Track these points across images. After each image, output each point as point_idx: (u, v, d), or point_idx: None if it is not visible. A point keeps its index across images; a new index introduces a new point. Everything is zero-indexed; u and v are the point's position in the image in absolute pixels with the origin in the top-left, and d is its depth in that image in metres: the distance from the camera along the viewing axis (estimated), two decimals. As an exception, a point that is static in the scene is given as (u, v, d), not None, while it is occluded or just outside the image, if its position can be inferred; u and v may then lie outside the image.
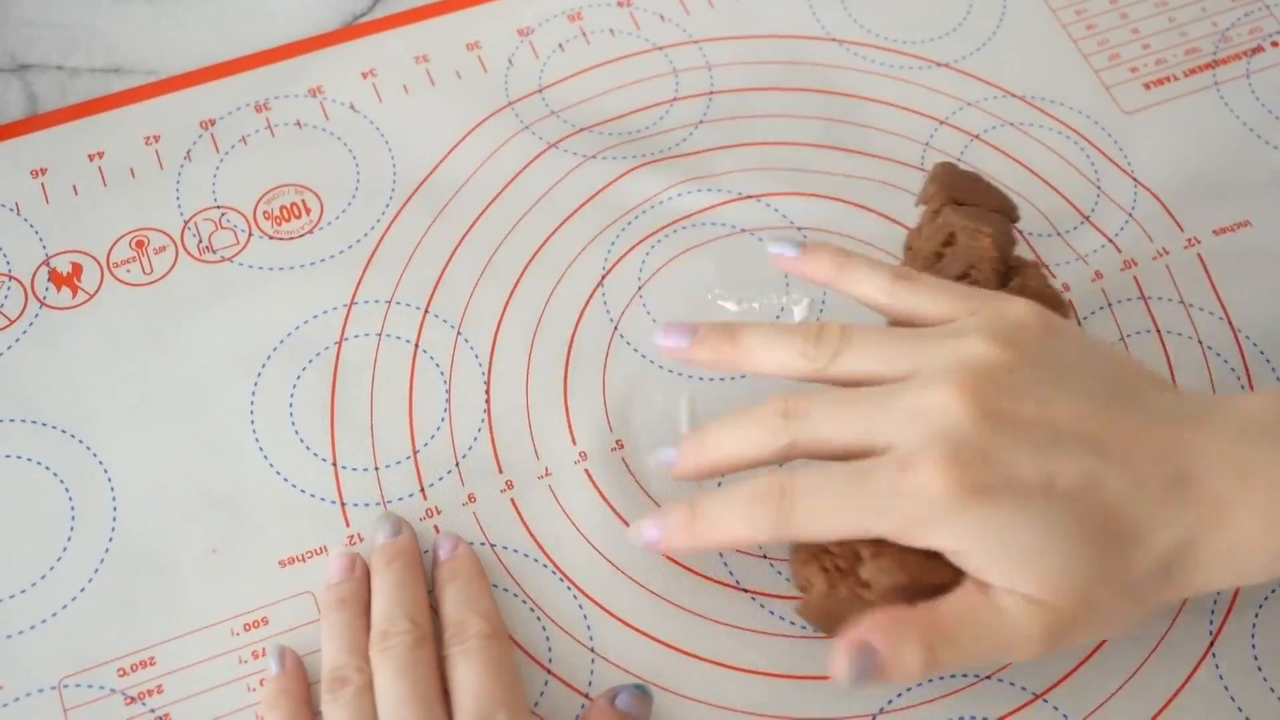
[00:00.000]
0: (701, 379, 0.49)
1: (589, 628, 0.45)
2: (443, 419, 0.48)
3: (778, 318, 0.51)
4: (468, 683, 0.41)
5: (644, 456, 0.47)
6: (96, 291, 0.51)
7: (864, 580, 0.40)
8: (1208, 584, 0.39)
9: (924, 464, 0.37)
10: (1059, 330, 0.41)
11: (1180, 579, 0.39)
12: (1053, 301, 0.45)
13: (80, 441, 0.48)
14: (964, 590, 0.39)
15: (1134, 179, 0.54)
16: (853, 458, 0.39)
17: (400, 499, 0.47)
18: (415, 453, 0.48)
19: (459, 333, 0.50)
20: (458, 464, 0.48)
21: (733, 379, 0.49)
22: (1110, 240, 0.53)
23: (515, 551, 0.46)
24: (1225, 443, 0.39)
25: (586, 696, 0.44)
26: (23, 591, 0.45)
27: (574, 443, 0.48)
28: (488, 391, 0.49)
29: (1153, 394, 0.40)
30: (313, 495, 0.47)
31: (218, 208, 0.52)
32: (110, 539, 0.46)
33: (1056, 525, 0.37)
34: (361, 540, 0.46)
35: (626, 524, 0.46)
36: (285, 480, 0.47)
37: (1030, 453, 0.38)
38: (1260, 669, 0.45)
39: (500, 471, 0.48)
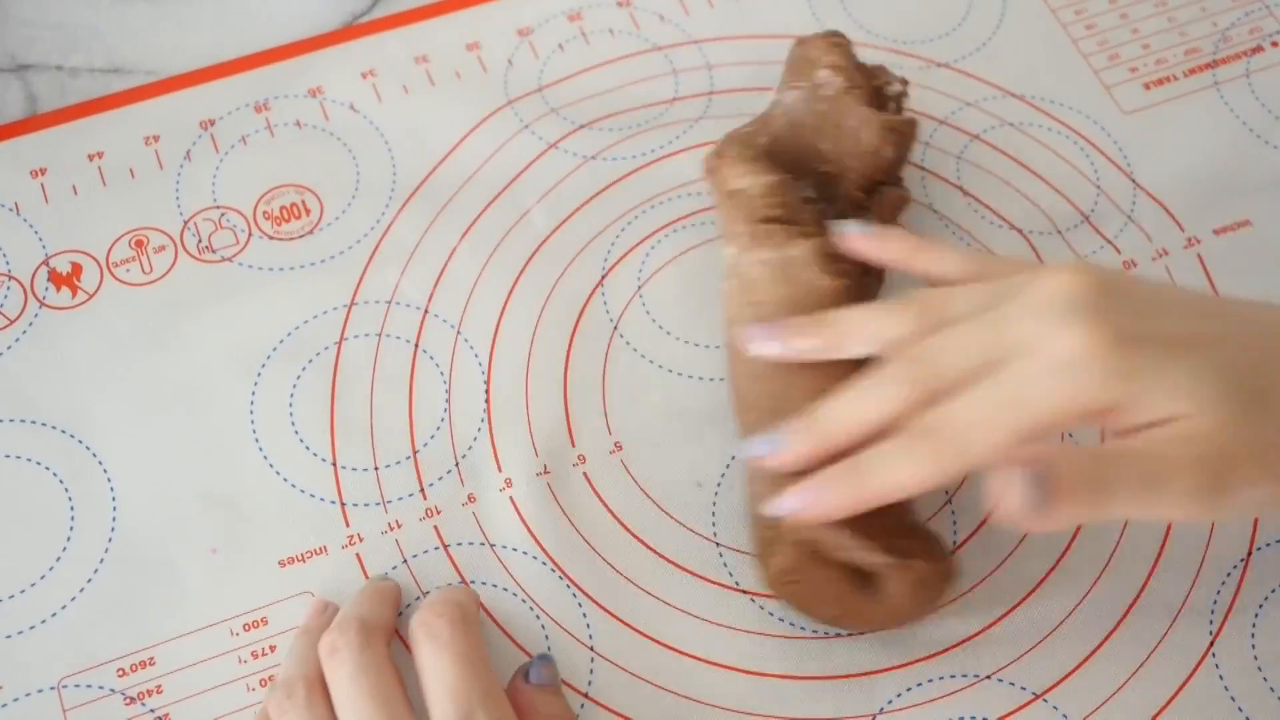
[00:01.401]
0: (691, 377, 0.49)
1: (589, 627, 0.45)
2: (443, 419, 0.48)
3: None
4: (439, 680, 0.40)
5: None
6: (96, 291, 0.51)
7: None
8: None
9: (1063, 334, 0.37)
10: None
11: None
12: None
13: (80, 441, 0.48)
14: (1117, 441, 0.38)
15: (1133, 179, 0.54)
16: None
17: (400, 499, 0.47)
18: (415, 453, 0.48)
19: (459, 333, 0.50)
20: (457, 464, 0.48)
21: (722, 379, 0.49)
22: (1109, 241, 0.53)
23: (515, 551, 0.46)
24: None
25: (586, 696, 0.44)
26: (23, 591, 0.45)
27: (573, 444, 0.48)
28: (487, 391, 0.49)
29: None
30: (313, 495, 0.47)
31: (217, 208, 0.52)
32: (110, 539, 0.46)
33: (1208, 365, 0.37)
34: (362, 540, 0.46)
35: (624, 525, 0.47)
36: (285, 480, 0.47)
37: (1170, 314, 0.39)
38: (1260, 669, 0.45)
39: (500, 471, 0.48)
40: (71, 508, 0.47)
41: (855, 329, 0.43)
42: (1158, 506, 0.37)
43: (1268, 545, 0.47)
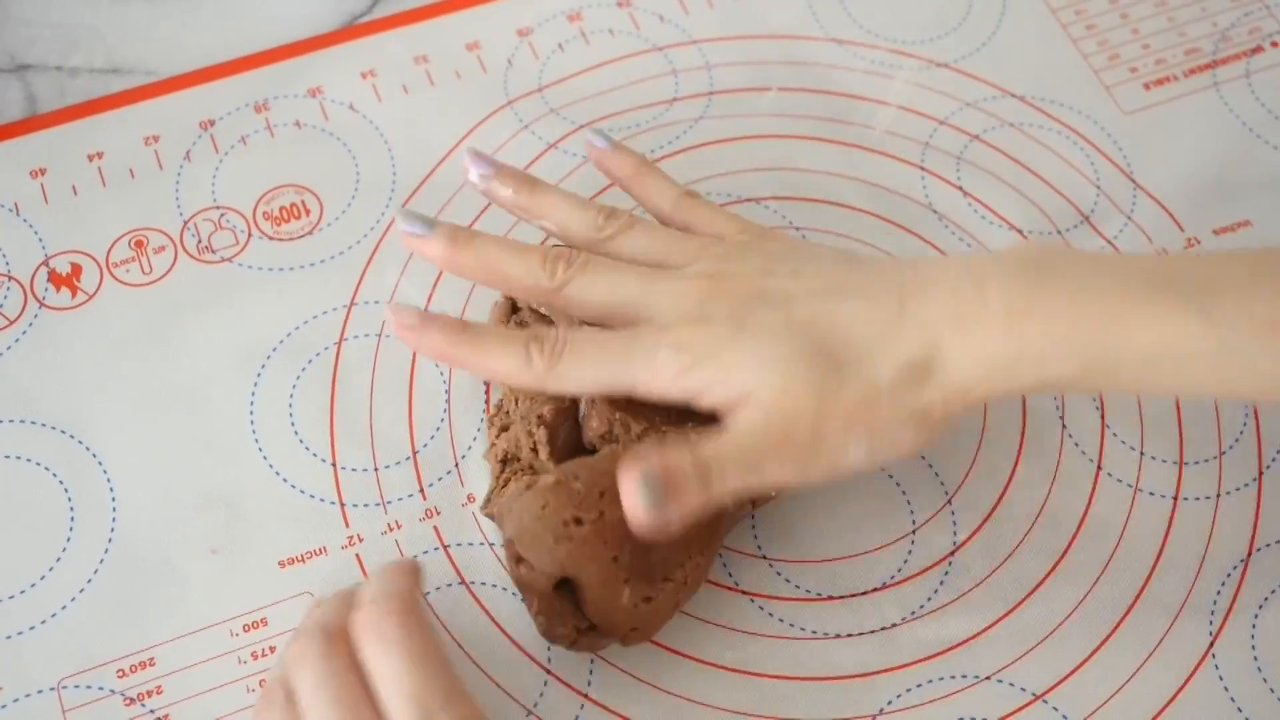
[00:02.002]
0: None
1: (589, 628, 0.45)
2: (442, 419, 0.48)
3: None
4: (394, 684, 0.37)
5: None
6: (96, 292, 0.51)
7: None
8: (962, 380, 0.41)
9: (679, 326, 0.42)
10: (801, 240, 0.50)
11: (934, 379, 0.41)
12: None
13: (80, 442, 0.48)
14: (716, 427, 0.41)
15: (1133, 180, 0.54)
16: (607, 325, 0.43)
17: (400, 499, 0.47)
18: (415, 453, 0.48)
19: (459, 333, 0.50)
20: (457, 464, 0.48)
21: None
22: (1110, 241, 0.53)
23: (515, 552, 0.46)
24: (956, 268, 0.42)
25: (586, 697, 0.44)
26: (23, 592, 0.45)
27: (574, 443, 0.48)
28: (487, 391, 0.49)
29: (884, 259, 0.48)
30: (312, 496, 0.47)
31: (217, 208, 0.52)
32: (110, 539, 0.46)
33: (788, 343, 0.41)
34: (361, 541, 0.46)
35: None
36: (285, 480, 0.47)
37: (770, 306, 0.42)
38: (1260, 669, 0.45)
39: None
40: (71, 508, 0.47)
41: (557, 211, 0.46)
42: (763, 480, 0.41)
43: (1268, 546, 0.47)
